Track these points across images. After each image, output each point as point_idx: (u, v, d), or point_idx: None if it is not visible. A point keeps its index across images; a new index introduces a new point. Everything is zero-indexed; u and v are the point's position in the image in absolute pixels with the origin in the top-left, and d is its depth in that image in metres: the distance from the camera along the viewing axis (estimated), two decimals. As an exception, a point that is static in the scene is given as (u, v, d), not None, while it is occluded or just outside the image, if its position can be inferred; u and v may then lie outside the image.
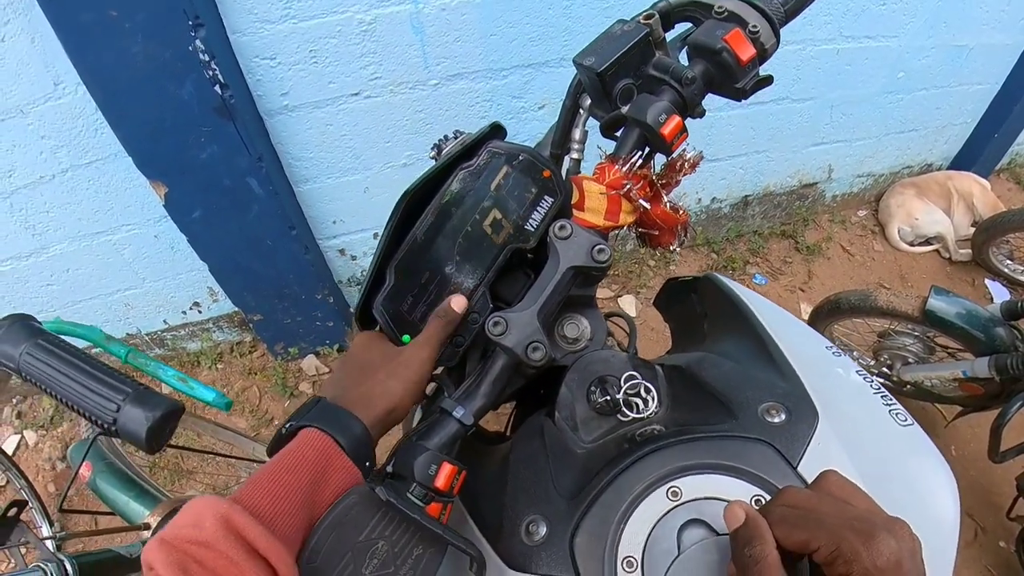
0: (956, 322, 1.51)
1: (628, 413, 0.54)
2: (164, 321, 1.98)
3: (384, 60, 1.44)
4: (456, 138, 0.57)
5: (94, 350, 0.69)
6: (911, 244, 2.59)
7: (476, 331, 0.56)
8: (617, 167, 0.52)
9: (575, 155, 0.59)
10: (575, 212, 0.55)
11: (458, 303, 0.54)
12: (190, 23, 1.13)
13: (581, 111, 0.58)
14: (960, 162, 2.72)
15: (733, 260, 2.39)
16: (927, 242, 2.59)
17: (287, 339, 1.98)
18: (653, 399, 0.54)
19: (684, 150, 0.54)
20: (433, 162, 0.58)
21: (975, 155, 2.66)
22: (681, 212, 0.56)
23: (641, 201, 0.52)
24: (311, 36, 1.32)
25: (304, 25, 1.30)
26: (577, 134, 0.59)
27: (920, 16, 1.93)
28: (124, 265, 1.74)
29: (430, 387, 0.58)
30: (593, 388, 0.56)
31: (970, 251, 2.49)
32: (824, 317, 1.80)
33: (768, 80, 0.57)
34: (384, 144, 1.62)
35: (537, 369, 0.51)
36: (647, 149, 0.54)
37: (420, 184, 0.52)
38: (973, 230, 2.46)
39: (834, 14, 1.77)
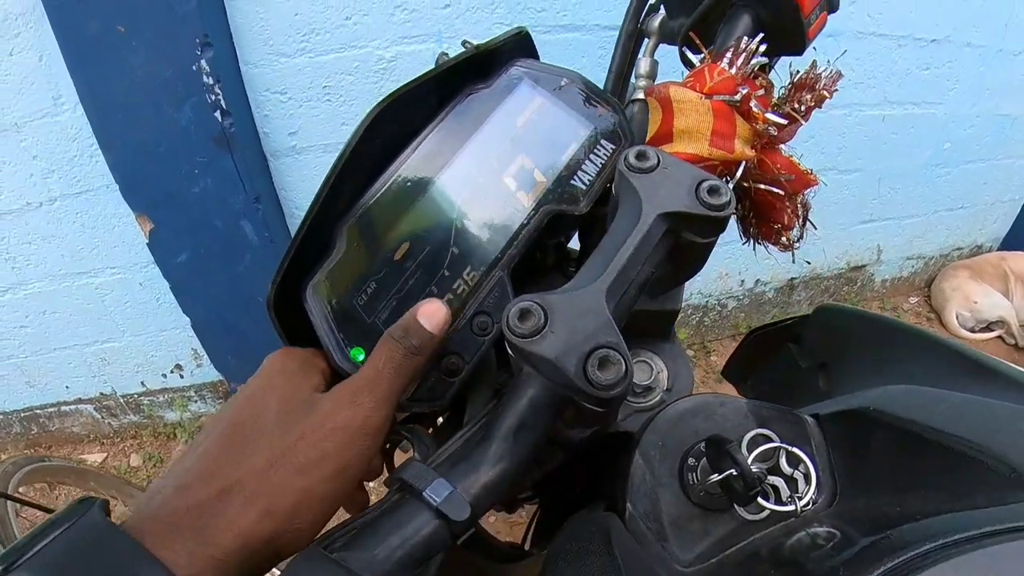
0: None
1: (764, 504, 0.30)
2: (142, 383, 1.78)
3: (403, 103, 1.34)
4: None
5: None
6: (971, 331, 2.38)
7: (487, 345, 0.35)
8: (723, 65, 0.34)
9: (640, 94, 0.41)
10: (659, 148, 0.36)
11: (432, 314, 0.31)
12: (197, 41, 1.05)
13: (648, 37, 0.41)
14: (1011, 242, 2.57)
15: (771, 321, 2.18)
16: (988, 328, 2.38)
17: (275, 414, 1.75)
18: (808, 477, 0.31)
19: (814, 64, 0.36)
20: None
21: (1028, 234, 2.50)
22: (811, 171, 0.37)
23: (771, 115, 0.33)
24: (326, 71, 1.24)
25: (320, 60, 1.23)
26: (643, 66, 0.41)
27: (964, 81, 1.85)
28: (104, 313, 1.58)
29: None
30: (691, 461, 0.33)
31: (1036, 337, 2.27)
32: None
33: None
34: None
35: (601, 414, 0.29)
36: (762, 38, 0.35)
37: (396, 97, 0.33)
38: (1038, 314, 2.25)
39: (878, 77, 1.69)
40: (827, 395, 0.58)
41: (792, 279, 2.19)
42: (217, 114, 1.13)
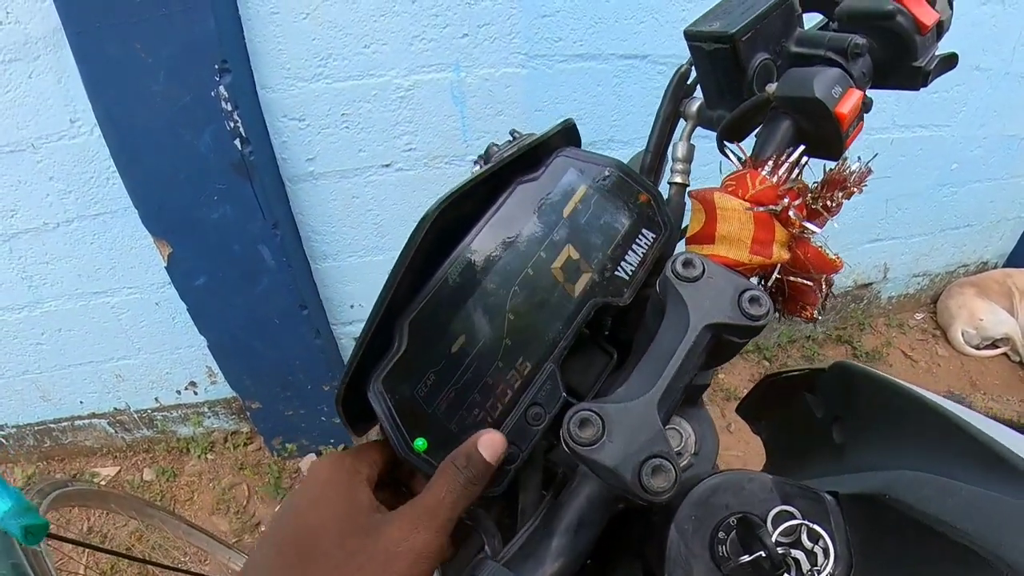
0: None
1: None
2: (156, 399, 1.80)
3: (420, 130, 1.36)
4: (514, 141, 0.41)
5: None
6: (977, 347, 2.40)
7: (540, 435, 0.37)
8: (764, 173, 0.35)
9: (678, 178, 0.43)
10: (698, 247, 0.38)
11: (490, 444, 0.33)
12: (216, 67, 1.06)
13: (685, 120, 0.43)
14: (1016, 259, 2.59)
15: (787, 368, 2.20)
16: (993, 345, 2.40)
17: (286, 433, 1.77)
18: (828, 552, 0.33)
19: (845, 161, 0.37)
20: None
21: (1032, 252, 2.52)
22: (836, 257, 0.39)
23: (808, 224, 0.35)
24: (344, 98, 1.26)
25: (338, 86, 1.24)
26: (680, 150, 0.43)
27: (971, 104, 1.86)
28: (120, 331, 1.60)
29: None
30: (721, 535, 0.35)
31: (1042, 354, 2.30)
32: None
33: (953, 61, 0.41)
34: (414, 223, 1.51)
35: (651, 507, 0.31)
36: (803, 151, 0.37)
37: (453, 198, 0.35)
38: (1043, 331, 2.27)
39: (887, 101, 1.71)
40: (841, 447, 0.59)
41: (799, 297, 2.20)
42: (236, 142, 1.15)
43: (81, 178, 1.31)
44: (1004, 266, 2.62)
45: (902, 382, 0.51)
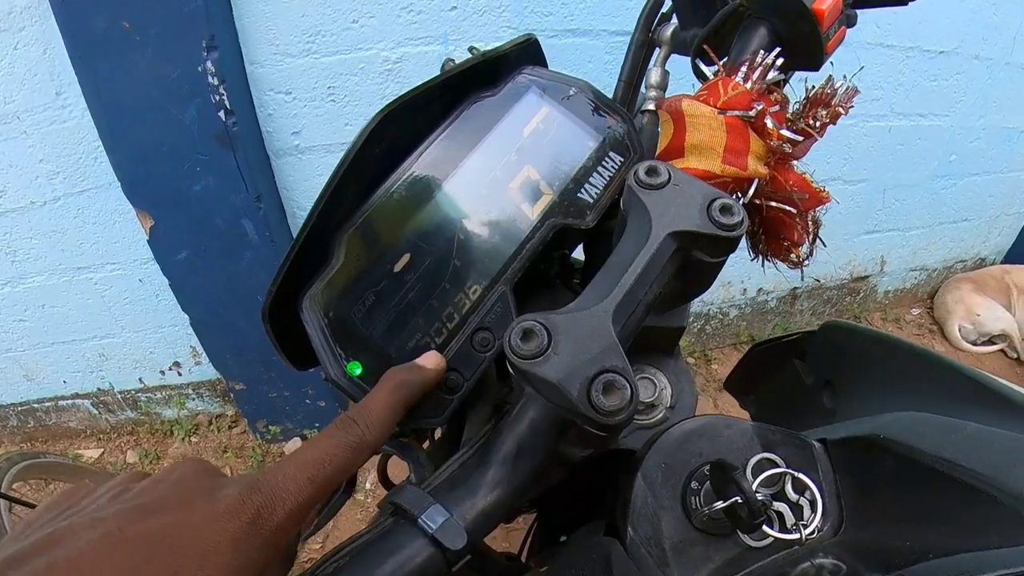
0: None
1: (768, 531, 0.29)
2: (140, 380, 1.77)
3: (408, 105, 1.33)
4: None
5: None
6: (974, 343, 2.37)
7: (488, 362, 0.34)
8: (737, 79, 0.33)
9: (651, 105, 0.41)
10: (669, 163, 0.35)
11: (434, 361, 0.31)
12: (204, 43, 1.04)
13: (659, 46, 0.41)
14: (1014, 255, 2.56)
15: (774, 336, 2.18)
16: (990, 341, 2.37)
17: (271, 416, 1.74)
18: (814, 504, 0.30)
19: (830, 79, 0.35)
20: None
21: (1031, 249, 2.50)
22: (823, 188, 0.36)
23: (785, 132, 0.33)
24: (331, 71, 1.24)
25: (325, 61, 1.22)
26: (654, 76, 0.41)
27: (970, 94, 1.84)
28: (104, 308, 1.57)
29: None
30: (694, 484, 0.32)
31: (1038, 351, 2.26)
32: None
33: None
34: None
35: (605, 438, 0.28)
36: (778, 52, 0.34)
37: (398, 106, 0.32)
38: (1041, 329, 2.25)
39: (885, 88, 1.68)
40: (832, 412, 0.57)
41: (795, 289, 2.18)
42: (221, 113, 1.12)
43: (66, 152, 1.29)
44: (1002, 262, 2.60)
45: (895, 335, 0.49)
